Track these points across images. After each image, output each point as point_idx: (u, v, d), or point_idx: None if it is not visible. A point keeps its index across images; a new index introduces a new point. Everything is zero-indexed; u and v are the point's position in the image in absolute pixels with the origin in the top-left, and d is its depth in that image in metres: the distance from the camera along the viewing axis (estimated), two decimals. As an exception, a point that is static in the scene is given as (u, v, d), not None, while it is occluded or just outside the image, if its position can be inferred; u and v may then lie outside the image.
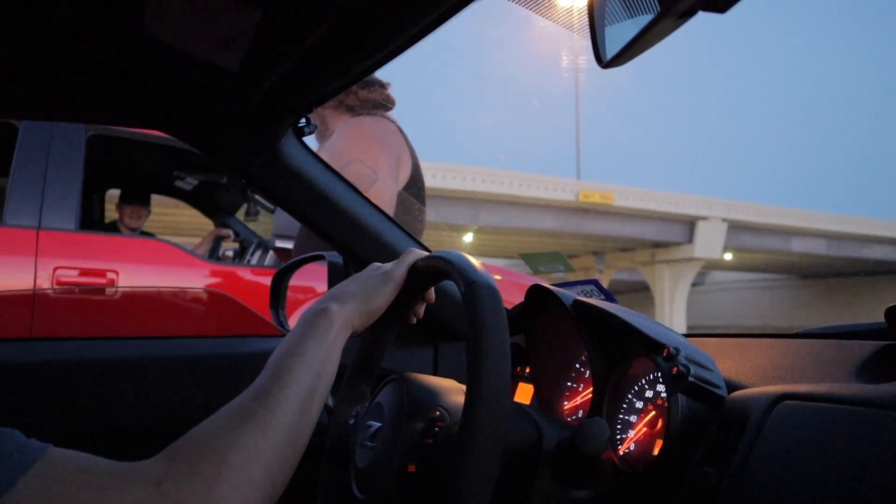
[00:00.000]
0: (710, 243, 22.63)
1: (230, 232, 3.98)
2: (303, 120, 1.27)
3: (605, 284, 1.23)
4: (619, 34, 0.67)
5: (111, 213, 4.40)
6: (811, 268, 30.45)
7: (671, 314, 22.83)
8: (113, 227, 3.83)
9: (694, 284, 25.59)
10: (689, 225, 22.75)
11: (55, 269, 2.73)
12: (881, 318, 0.89)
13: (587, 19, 0.72)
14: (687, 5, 0.58)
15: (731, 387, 0.85)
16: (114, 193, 4.33)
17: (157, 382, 1.37)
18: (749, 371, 0.92)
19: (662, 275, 23.70)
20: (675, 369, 0.82)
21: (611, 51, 0.69)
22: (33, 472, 0.56)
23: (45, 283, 2.69)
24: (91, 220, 3.92)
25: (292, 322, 1.17)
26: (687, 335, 1.04)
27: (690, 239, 22.72)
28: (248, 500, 0.62)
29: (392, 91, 2.24)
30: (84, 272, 2.81)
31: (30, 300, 2.67)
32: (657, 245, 23.66)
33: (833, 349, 0.91)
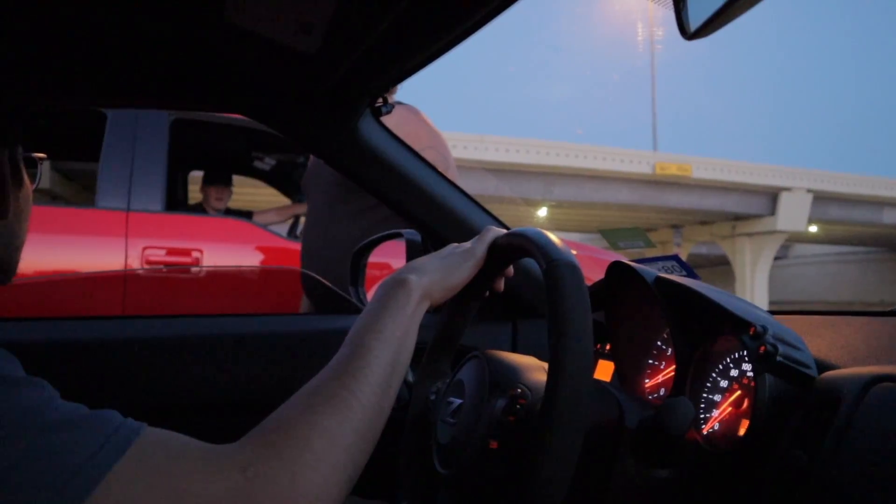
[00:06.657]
0: (793, 215, 21.81)
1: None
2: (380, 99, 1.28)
3: (682, 258, 1.20)
4: (704, 5, 0.65)
5: (193, 194, 4.55)
6: (904, 240, 29.07)
7: (752, 289, 22.17)
8: (198, 209, 3.97)
9: (776, 258, 24.76)
10: (772, 196, 21.97)
11: (144, 248, 2.85)
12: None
13: (670, -10, 0.70)
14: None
15: (822, 367, 0.83)
16: (195, 175, 4.47)
17: (240, 358, 1.42)
18: (840, 351, 0.88)
19: (743, 248, 23.01)
20: (762, 348, 0.80)
21: (695, 22, 0.68)
22: (129, 455, 0.58)
23: (134, 262, 2.82)
24: (175, 200, 4.06)
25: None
26: (772, 312, 1.01)
27: (773, 211, 21.95)
28: (331, 482, 0.63)
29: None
30: (171, 251, 2.92)
31: (121, 279, 2.80)
32: (738, 218, 22.95)
33: (932, 328, 0.87)
